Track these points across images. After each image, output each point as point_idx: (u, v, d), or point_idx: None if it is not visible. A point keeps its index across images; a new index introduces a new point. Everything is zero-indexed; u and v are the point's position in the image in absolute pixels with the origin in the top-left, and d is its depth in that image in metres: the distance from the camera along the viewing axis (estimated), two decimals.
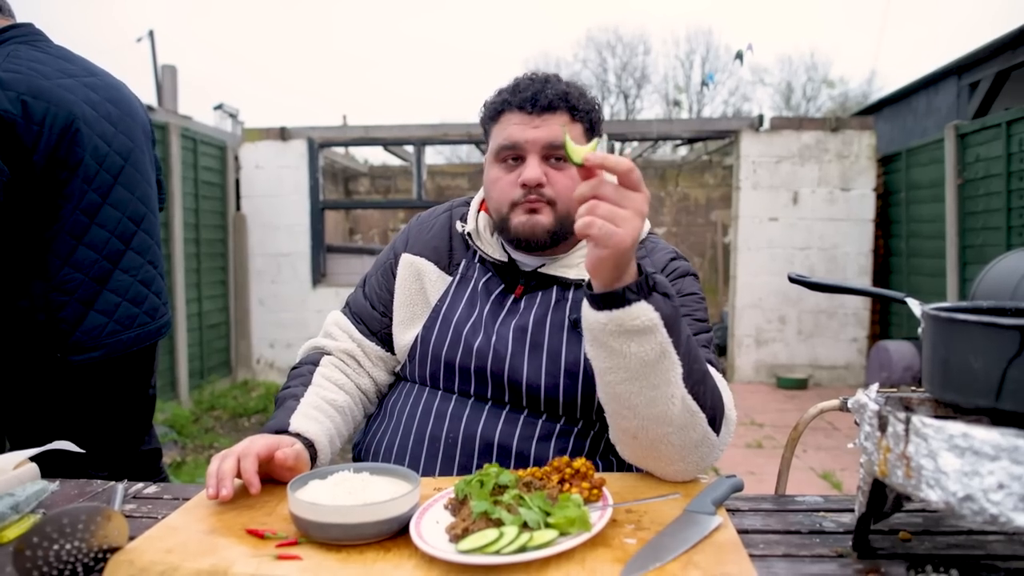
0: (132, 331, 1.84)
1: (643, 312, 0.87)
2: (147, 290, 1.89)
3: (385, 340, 1.28)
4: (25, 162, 1.60)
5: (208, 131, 6.14)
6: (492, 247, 1.23)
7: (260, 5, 33.79)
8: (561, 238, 1.17)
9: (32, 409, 1.76)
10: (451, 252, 1.27)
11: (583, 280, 1.17)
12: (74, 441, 1.57)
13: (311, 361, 1.27)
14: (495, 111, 1.17)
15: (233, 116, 7.46)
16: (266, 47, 35.06)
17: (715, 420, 0.99)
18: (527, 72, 1.19)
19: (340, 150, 9.26)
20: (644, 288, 0.88)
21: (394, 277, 1.29)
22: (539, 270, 1.20)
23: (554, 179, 1.13)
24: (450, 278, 1.24)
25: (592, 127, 1.18)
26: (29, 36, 1.75)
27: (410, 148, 6.74)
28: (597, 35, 19.48)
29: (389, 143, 6.94)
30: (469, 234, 1.25)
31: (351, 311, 1.32)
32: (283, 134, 6.29)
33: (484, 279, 1.22)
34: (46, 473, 1.82)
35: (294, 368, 1.28)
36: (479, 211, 1.27)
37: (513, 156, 1.14)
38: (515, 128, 1.13)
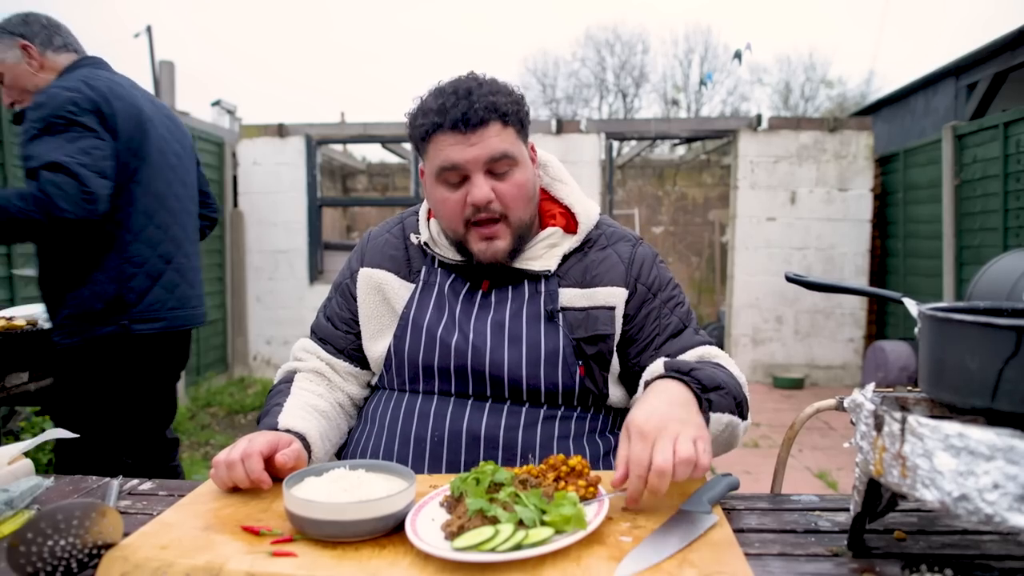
0: (187, 310, 2.11)
1: (717, 422, 1.02)
2: (199, 276, 2.20)
3: (353, 356, 1.28)
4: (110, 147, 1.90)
5: (206, 127, 6.12)
6: (450, 250, 1.23)
7: None
8: (519, 249, 1.19)
9: (89, 383, 1.97)
10: (409, 260, 1.26)
11: (549, 271, 1.19)
12: (114, 421, 1.96)
13: (286, 380, 1.26)
14: (425, 132, 1.13)
15: (231, 112, 7.42)
16: (264, 40, 34.85)
17: (741, 406, 1.08)
18: (447, 85, 1.14)
19: (338, 147, 9.24)
20: (707, 403, 0.99)
21: (353, 296, 1.28)
22: (502, 263, 1.19)
23: (501, 192, 1.13)
24: (413, 285, 1.24)
25: (522, 124, 1.17)
26: (101, 64, 2.07)
27: (408, 145, 6.72)
28: (596, 33, 19.40)
29: (387, 140, 6.93)
30: (426, 243, 1.24)
31: (316, 336, 1.32)
32: (281, 131, 6.28)
33: (448, 281, 1.22)
34: (75, 462, 1.97)
35: (270, 390, 1.27)
36: (429, 219, 1.27)
37: (456, 176, 1.13)
38: (452, 150, 1.11)
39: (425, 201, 1.30)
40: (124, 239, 1.95)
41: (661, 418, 0.89)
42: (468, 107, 1.09)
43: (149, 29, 6.23)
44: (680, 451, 0.84)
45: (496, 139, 1.11)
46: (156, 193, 2.02)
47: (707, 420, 0.97)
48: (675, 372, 1.00)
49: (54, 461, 2.38)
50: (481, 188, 1.11)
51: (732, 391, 1.05)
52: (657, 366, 1.11)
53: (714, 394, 1.00)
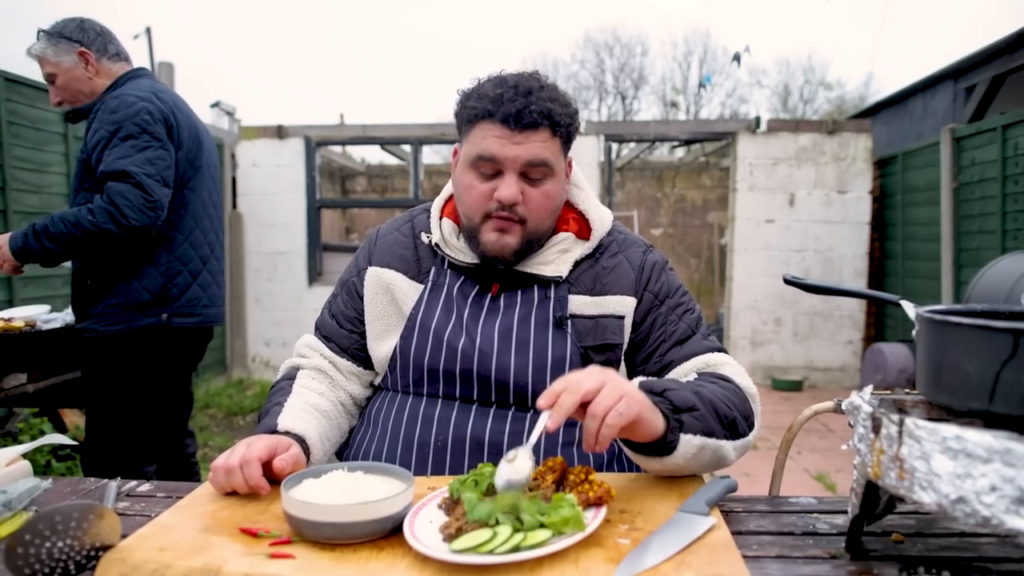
0: (215, 308, 2.28)
1: (688, 444, 0.96)
2: (224, 278, 2.37)
3: (356, 356, 1.27)
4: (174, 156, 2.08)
5: None
6: (462, 252, 1.22)
7: None
8: (527, 253, 1.18)
9: (122, 371, 2.10)
10: (418, 261, 1.25)
11: (560, 277, 1.18)
12: (142, 410, 2.16)
13: (288, 377, 1.25)
14: (474, 116, 1.12)
15: (230, 114, 7.42)
16: (263, 41, 34.77)
17: (749, 418, 1.06)
18: (510, 76, 1.14)
19: (337, 149, 9.24)
20: (677, 423, 0.96)
21: (360, 294, 1.27)
22: (514, 268, 1.19)
23: (529, 197, 1.13)
24: (421, 286, 1.23)
25: (568, 138, 1.16)
26: (153, 76, 2.21)
27: (407, 147, 6.73)
28: (595, 36, 19.44)
29: (386, 142, 6.93)
30: (437, 244, 1.23)
31: (320, 333, 1.31)
32: (280, 132, 6.28)
33: (458, 283, 1.21)
34: (105, 455, 2.09)
35: (272, 387, 1.27)
36: (441, 218, 1.26)
37: (490, 169, 1.12)
38: (495, 141, 1.10)
39: (437, 200, 1.29)
40: (176, 239, 2.13)
41: (602, 371, 0.91)
42: (524, 105, 1.08)
43: (148, 31, 6.23)
44: (608, 391, 0.87)
45: (540, 145, 1.10)
46: (203, 200, 2.22)
47: (676, 441, 0.95)
48: (648, 392, 0.98)
49: (80, 459, 2.49)
50: (511, 187, 1.11)
51: (720, 411, 1.01)
52: (633, 384, 1.08)
53: (686, 415, 0.97)
